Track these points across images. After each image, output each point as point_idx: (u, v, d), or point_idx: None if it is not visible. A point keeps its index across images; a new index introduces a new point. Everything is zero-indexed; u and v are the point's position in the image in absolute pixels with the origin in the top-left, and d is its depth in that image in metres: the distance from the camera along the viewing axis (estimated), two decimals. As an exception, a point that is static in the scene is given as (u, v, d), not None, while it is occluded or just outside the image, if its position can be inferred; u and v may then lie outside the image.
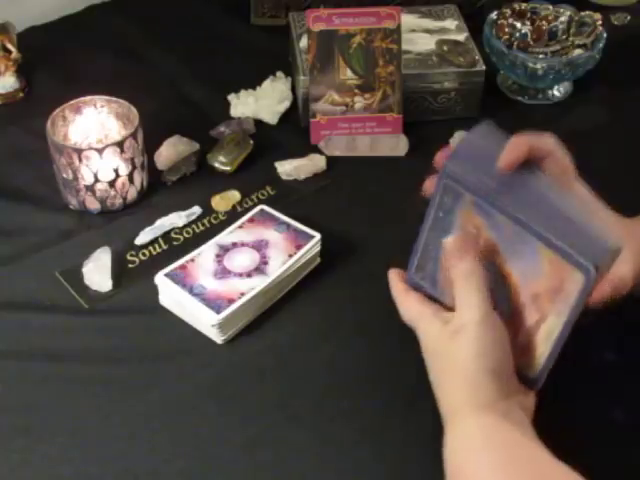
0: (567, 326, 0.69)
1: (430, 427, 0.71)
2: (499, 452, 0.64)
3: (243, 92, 1.16)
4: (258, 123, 1.13)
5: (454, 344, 0.68)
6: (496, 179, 0.69)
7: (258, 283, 0.86)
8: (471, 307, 0.69)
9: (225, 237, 0.92)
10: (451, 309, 0.72)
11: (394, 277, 0.77)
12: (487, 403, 0.67)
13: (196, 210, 0.99)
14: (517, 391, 0.69)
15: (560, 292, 0.68)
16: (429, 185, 0.74)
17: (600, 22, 1.17)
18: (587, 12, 1.18)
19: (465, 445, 0.66)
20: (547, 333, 0.70)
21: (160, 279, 0.87)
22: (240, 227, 0.93)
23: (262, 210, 0.95)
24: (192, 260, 0.89)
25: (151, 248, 0.95)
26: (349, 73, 1.08)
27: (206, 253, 0.89)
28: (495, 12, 1.19)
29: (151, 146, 1.04)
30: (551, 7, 1.18)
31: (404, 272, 0.77)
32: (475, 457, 0.65)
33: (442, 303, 0.74)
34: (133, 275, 0.92)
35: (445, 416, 0.68)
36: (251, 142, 1.07)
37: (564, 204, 0.69)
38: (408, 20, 1.18)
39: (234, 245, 0.90)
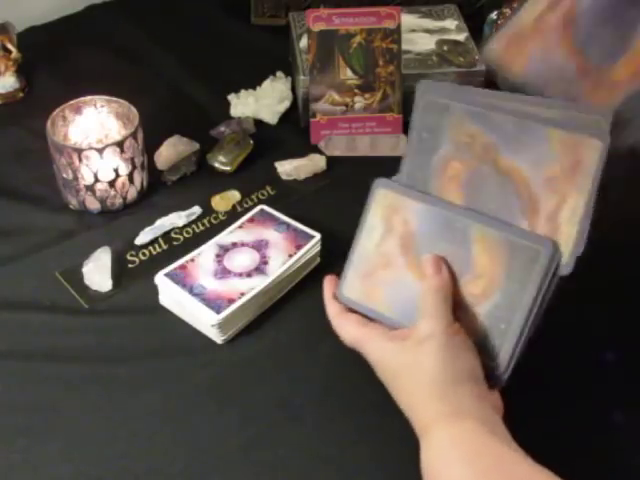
0: (590, 201, 0.68)
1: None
2: (475, 462, 0.64)
3: (243, 92, 1.16)
4: (258, 123, 1.13)
5: (417, 355, 0.68)
6: (478, 95, 0.72)
7: (258, 283, 0.86)
8: (437, 317, 0.69)
9: (225, 237, 0.92)
10: (391, 324, 0.72)
11: (329, 299, 0.77)
12: (459, 410, 0.66)
13: (196, 210, 0.99)
14: (487, 394, 0.69)
15: (578, 167, 0.68)
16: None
17: (600, 22, 1.17)
18: (587, 12, 1.18)
19: (440, 456, 0.65)
20: (571, 212, 0.69)
21: (160, 279, 0.87)
22: (240, 227, 0.93)
23: (262, 210, 0.95)
24: (192, 260, 0.89)
25: (151, 248, 0.95)
26: (349, 73, 1.08)
27: (206, 253, 0.89)
28: (495, 12, 1.19)
29: (151, 146, 1.04)
30: (551, 7, 1.18)
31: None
32: (451, 469, 0.64)
33: (382, 321, 0.73)
34: (133, 275, 0.92)
35: (419, 431, 0.68)
36: (251, 142, 1.07)
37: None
38: (408, 20, 1.18)
39: (234, 245, 0.90)
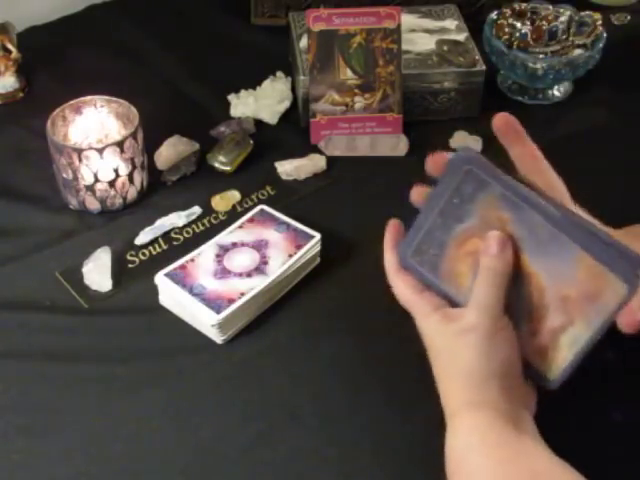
0: (596, 338, 0.66)
1: (430, 427, 0.71)
2: (494, 452, 0.64)
3: (243, 92, 1.16)
4: (258, 123, 1.13)
5: (460, 342, 0.68)
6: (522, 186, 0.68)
7: (258, 283, 0.86)
8: (486, 307, 0.68)
9: (225, 237, 0.92)
10: (450, 301, 0.71)
11: (390, 249, 0.74)
12: (489, 403, 0.67)
13: (196, 210, 0.99)
14: (521, 391, 0.69)
15: (595, 301, 0.66)
16: (417, 195, 0.73)
17: (600, 22, 1.17)
18: (587, 12, 1.18)
19: (464, 443, 0.66)
20: (573, 339, 0.67)
21: (160, 279, 0.87)
22: (240, 227, 0.93)
23: (262, 210, 0.95)
24: (192, 260, 0.89)
25: (151, 248, 0.95)
26: (349, 73, 1.08)
27: (206, 253, 0.89)
28: (495, 12, 1.19)
29: (151, 146, 1.04)
30: (551, 7, 1.18)
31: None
32: (475, 455, 0.65)
33: (438, 292, 0.72)
34: (133, 275, 0.92)
35: (447, 415, 0.68)
36: (251, 142, 1.07)
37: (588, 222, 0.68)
38: (408, 20, 1.18)
39: (234, 245, 0.90)
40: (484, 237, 0.69)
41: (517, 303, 0.69)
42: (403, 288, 0.73)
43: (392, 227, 0.75)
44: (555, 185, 0.74)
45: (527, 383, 0.70)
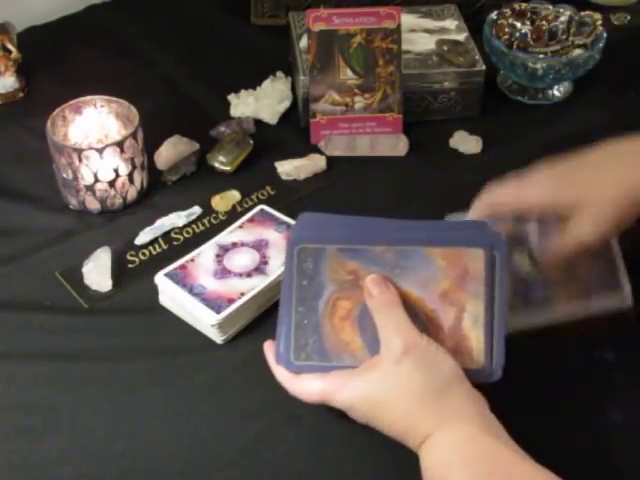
0: (490, 305, 0.70)
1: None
2: (475, 465, 0.64)
3: (243, 92, 1.16)
4: (258, 123, 1.13)
5: (401, 374, 0.68)
6: (350, 229, 0.72)
7: (258, 283, 0.86)
8: (403, 332, 0.69)
9: (225, 237, 0.92)
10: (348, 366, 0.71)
11: (277, 368, 0.74)
12: (456, 414, 0.66)
13: (196, 210, 0.99)
14: (475, 392, 0.69)
15: (467, 277, 0.70)
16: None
17: (600, 22, 1.17)
18: (587, 12, 1.18)
19: (442, 461, 0.65)
20: (473, 319, 0.71)
21: (160, 279, 0.87)
22: (240, 227, 0.93)
23: (262, 210, 0.95)
24: (192, 260, 0.89)
25: (151, 248, 0.95)
26: (349, 73, 1.08)
27: (206, 253, 0.89)
28: (495, 12, 1.19)
29: (151, 146, 1.04)
30: (551, 7, 1.18)
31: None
32: (453, 472, 0.64)
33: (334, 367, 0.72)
34: (133, 275, 0.92)
35: (417, 445, 0.68)
36: (251, 142, 1.07)
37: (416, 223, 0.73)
38: (408, 20, 1.18)
39: (234, 245, 0.90)
40: (348, 296, 0.72)
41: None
42: (308, 386, 0.72)
43: (268, 346, 0.76)
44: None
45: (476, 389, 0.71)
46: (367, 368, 0.70)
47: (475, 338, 0.71)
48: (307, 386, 0.72)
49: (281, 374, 0.74)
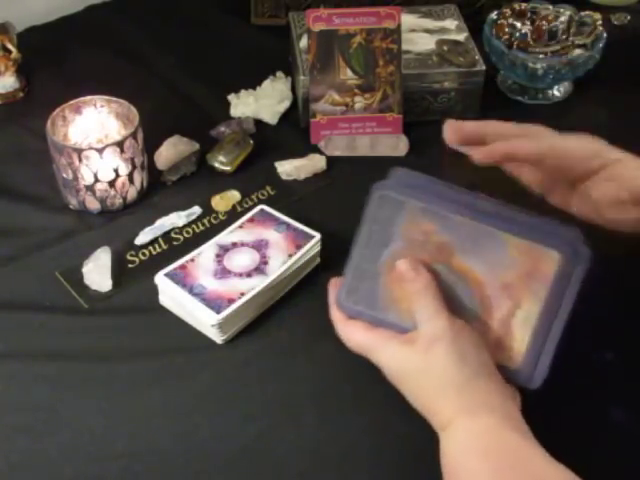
0: (549, 312, 0.69)
1: (430, 427, 0.71)
2: (492, 457, 0.64)
3: (243, 92, 1.16)
4: (258, 123, 1.13)
5: (429, 358, 0.68)
6: (438, 192, 0.71)
7: (258, 283, 0.86)
8: (434, 318, 0.69)
9: (225, 237, 0.92)
10: (399, 329, 0.72)
11: (334, 304, 0.76)
12: (480, 405, 0.67)
13: (196, 210, 0.99)
14: (504, 386, 0.69)
15: (534, 276, 0.69)
16: (451, 132, 0.77)
17: (600, 22, 1.17)
18: (587, 12, 1.18)
19: (461, 449, 0.66)
20: (524, 318, 0.70)
21: (160, 279, 0.87)
22: (240, 227, 0.93)
23: (262, 210, 0.95)
24: (192, 260, 0.89)
25: (151, 248, 0.95)
26: (349, 73, 1.08)
27: (206, 253, 0.89)
28: (495, 12, 1.19)
29: (151, 146, 1.04)
30: (551, 7, 1.18)
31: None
32: (471, 462, 0.65)
33: (385, 325, 0.73)
34: (133, 275, 0.92)
35: (438, 428, 0.68)
36: (251, 142, 1.07)
37: (517, 213, 0.71)
38: (408, 20, 1.18)
39: (234, 245, 0.90)
40: (413, 256, 0.72)
41: (462, 305, 0.71)
42: (353, 334, 0.73)
43: (333, 284, 0.77)
44: (540, 134, 0.78)
45: (508, 384, 0.71)
46: (404, 342, 0.70)
47: (520, 338, 0.70)
48: (352, 334, 0.73)
49: (334, 314, 0.75)
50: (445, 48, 1.14)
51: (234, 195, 1.02)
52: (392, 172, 0.74)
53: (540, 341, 0.69)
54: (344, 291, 0.75)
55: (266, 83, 1.17)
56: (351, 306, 0.74)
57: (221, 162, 1.05)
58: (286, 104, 1.15)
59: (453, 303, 0.71)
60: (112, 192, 0.98)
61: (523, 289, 0.69)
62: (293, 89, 1.17)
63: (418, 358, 0.69)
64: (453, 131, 0.77)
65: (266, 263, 0.88)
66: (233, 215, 0.98)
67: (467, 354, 0.68)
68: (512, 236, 0.69)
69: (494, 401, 0.67)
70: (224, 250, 0.90)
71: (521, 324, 0.70)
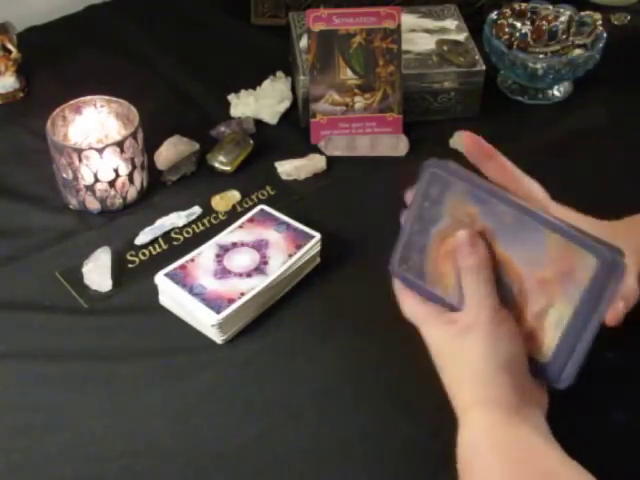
0: (582, 316, 0.67)
1: (430, 427, 0.71)
2: (509, 451, 0.65)
3: (243, 92, 1.16)
4: (258, 123, 1.13)
5: (464, 342, 0.68)
6: (487, 183, 0.71)
7: (258, 283, 0.86)
8: (480, 303, 0.68)
9: (225, 237, 0.92)
10: (445, 304, 0.72)
11: (395, 279, 0.76)
12: (499, 400, 0.67)
13: (196, 210, 0.99)
14: (531, 387, 0.69)
15: (570, 277, 0.68)
16: (410, 196, 0.75)
17: (600, 22, 1.17)
18: (587, 12, 1.18)
19: (477, 441, 0.66)
20: (557, 318, 0.69)
21: (160, 279, 0.87)
22: (240, 227, 0.93)
23: (262, 210, 0.95)
24: (192, 260, 0.89)
25: (151, 248, 0.95)
26: (349, 73, 1.08)
27: (206, 253, 0.89)
28: (495, 12, 1.19)
29: (151, 146, 1.04)
30: (551, 7, 1.18)
31: None
32: (485, 455, 0.65)
33: (433, 298, 0.73)
34: (133, 275, 0.92)
35: (458, 412, 0.68)
36: (251, 142, 1.07)
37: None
38: (408, 20, 1.18)
39: (234, 245, 0.90)
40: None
41: (504, 292, 0.70)
42: (410, 302, 0.74)
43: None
44: (532, 190, 0.75)
45: (537, 383, 0.70)
46: (446, 321, 0.70)
47: (551, 335, 0.69)
48: (407, 304, 0.74)
49: (396, 283, 0.75)
50: (445, 48, 1.14)
51: (234, 195, 1.02)
52: (445, 163, 0.74)
53: (570, 342, 0.69)
54: (397, 257, 0.74)
55: (266, 83, 1.17)
56: (402, 273, 0.74)
57: (221, 162, 1.05)
58: (286, 104, 1.15)
59: (498, 288, 0.71)
60: (112, 192, 0.98)
61: (558, 288, 0.68)
62: (293, 89, 1.17)
63: (454, 340, 0.69)
64: (472, 144, 0.76)
65: (266, 263, 0.88)
66: (233, 215, 0.98)
67: (500, 348, 0.67)
68: (553, 233, 0.68)
69: (513, 398, 0.67)
70: (224, 250, 0.90)
71: (553, 322, 0.69)
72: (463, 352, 0.68)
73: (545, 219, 0.68)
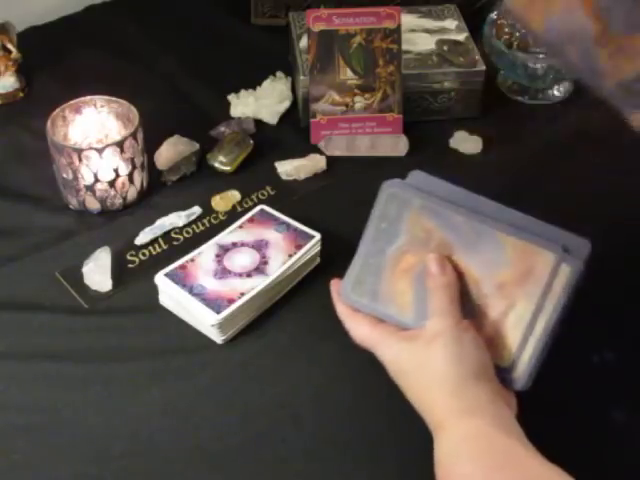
0: (540, 313, 0.69)
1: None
2: (485, 459, 0.64)
3: (243, 92, 1.16)
4: (258, 123, 1.13)
5: (430, 352, 0.68)
6: (443, 192, 0.73)
7: (258, 283, 0.86)
8: (445, 316, 0.70)
9: (225, 237, 0.92)
10: (399, 324, 0.72)
11: (337, 299, 0.76)
12: (472, 408, 0.66)
13: (196, 210, 0.99)
14: (500, 390, 0.69)
15: (529, 276, 0.70)
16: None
17: (600, 22, 1.17)
18: (587, 12, 1.18)
19: (454, 451, 0.65)
20: (517, 319, 0.70)
21: (160, 279, 0.87)
22: (240, 227, 0.93)
23: (262, 210, 0.95)
24: (192, 260, 0.89)
25: (151, 248, 0.95)
26: (349, 73, 1.08)
27: (206, 253, 0.89)
28: (495, 12, 1.19)
29: (151, 146, 1.04)
30: (551, 7, 1.18)
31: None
32: (465, 464, 0.64)
33: (387, 319, 0.73)
34: (133, 275, 0.92)
35: (432, 427, 0.68)
36: (251, 142, 1.07)
37: (517, 214, 0.72)
38: (408, 20, 1.18)
39: (234, 245, 0.90)
40: (415, 252, 0.73)
41: (462, 302, 0.72)
42: (357, 328, 0.74)
43: (334, 284, 0.78)
44: None
45: (505, 388, 0.70)
46: (406, 337, 0.71)
47: (512, 338, 0.71)
48: (357, 328, 0.74)
49: (340, 308, 0.76)
50: (445, 48, 1.14)
51: (234, 195, 1.02)
52: (409, 174, 0.75)
53: (529, 342, 0.70)
54: (350, 284, 0.75)
55: (266, 83, 1.17)
56: (356, 298, 0.75)
57: (221, 162, 1.05)
58: (286, 104, 1.15)
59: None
60: (112, 192, 0.98)
61: (518, 290, 0.70)
62: (293, 89, 1.17)
63: (417, 354, 0.69)
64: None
65: (266, 263, 0.88)
66: (233, 215, 0.98)
67: (466, 354, 0.68)
68: (509, 237, 0.70)
69: (487, 404, 0.67)
70: (224, 250, 0.90)
71: (514, 324, 0.71)
72: (429, 361, 0.68)
73: (498, 225, 0.70)
